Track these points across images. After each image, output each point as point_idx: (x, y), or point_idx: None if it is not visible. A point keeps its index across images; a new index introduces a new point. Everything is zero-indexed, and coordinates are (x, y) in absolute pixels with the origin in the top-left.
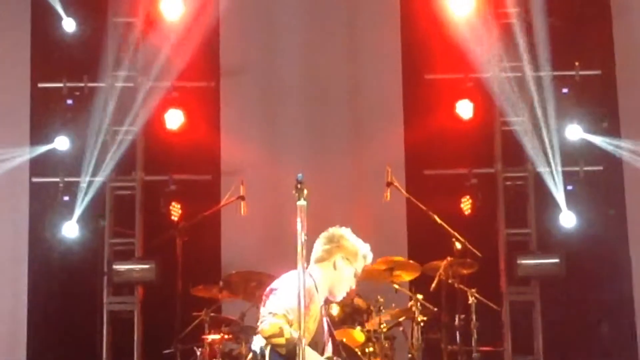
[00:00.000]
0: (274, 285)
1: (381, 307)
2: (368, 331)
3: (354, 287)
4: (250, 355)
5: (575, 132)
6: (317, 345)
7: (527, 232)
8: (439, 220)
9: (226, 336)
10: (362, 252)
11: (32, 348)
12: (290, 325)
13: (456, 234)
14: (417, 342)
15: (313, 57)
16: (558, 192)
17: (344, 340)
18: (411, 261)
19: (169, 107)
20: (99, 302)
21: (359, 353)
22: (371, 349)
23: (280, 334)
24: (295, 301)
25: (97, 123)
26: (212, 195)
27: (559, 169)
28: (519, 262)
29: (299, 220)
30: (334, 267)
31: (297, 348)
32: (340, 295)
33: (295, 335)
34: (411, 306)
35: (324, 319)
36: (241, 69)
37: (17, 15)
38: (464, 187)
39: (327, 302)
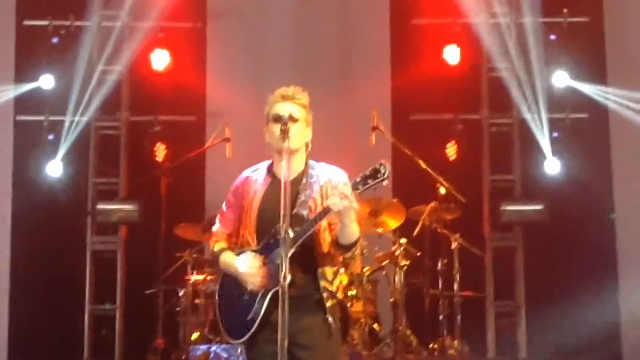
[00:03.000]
0: None
1: (364, 251)
2: (351, 274)
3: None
4: None
5: (561, 79)
6: (264, 232)
7: (512, 179)
8: (423, 165)
9: (209, 277)
10: (266, 111)
11: (15, 285)
12: (225, 238)
13: (440, 178)
14: (399, 286)
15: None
16: (543, 139)
17: None
18: (394, 200)
19: (155, 48)
20: (82, 242)
21: None
22: (354, 292)
23: (211, 255)
24: (222, 208)
25: (82, 62)
26: (197, 137)
27: (545, 115)
28: (502, 208)
29: (283, 162)
30: (267, 138)
31: (217, 256)
32: (280, 144)
33: (217, 247)
34: (394, 250)
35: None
36: (228, 10)
37: None
38: (450, 132)
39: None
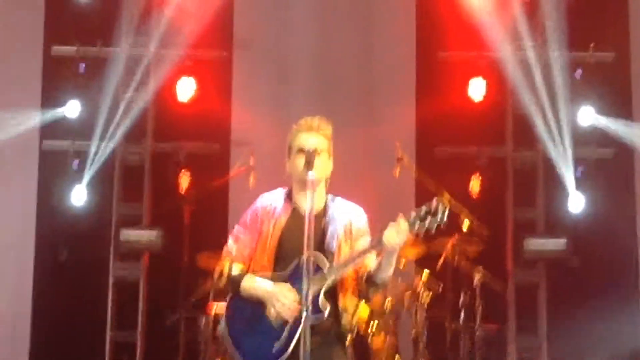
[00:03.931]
0: None
1: (387, 284)
2: (372, 308)
3: (306, 166)
4: None
5: (587, 115)
6: (287, 261)
7: (535, 214)
8: (449, 198)
9: None
10: (289, 141)
11: (37, 311)
12: (242, 260)
13: (464, 212)
14: (420, 320)
15: (327, 29)
16: (568, 175)
17: None
18: (418, 240)
19: (181, 76)
20: (105, 268)
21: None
22: (375, 325)
23: (220, 276)
24: (236, 231)
25: (108, 89)
26: (221, 166)
27: (570, 152)
28: (525, 243)
29: (308, 192)
30: (289, 169)
31: (238, 279)
32: (303, 176)
33: (235, 269)
34: (416, 283)
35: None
36: (254, 40)
37: None
38: (474, 166)
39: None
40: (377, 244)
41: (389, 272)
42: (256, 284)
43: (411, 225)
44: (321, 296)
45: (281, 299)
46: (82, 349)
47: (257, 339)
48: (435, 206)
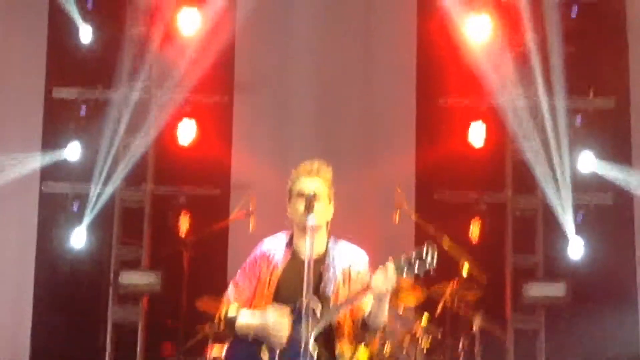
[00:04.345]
0: None
1: (385, 329)
2: (371, 352)
3: (305, 211)
4: None
5: (586, 162)
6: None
7: (535, 260)
8: (449, 243)
9: None
10: (289, 186)
11: (35, 355)
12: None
13: (465, 257)
14: None
15: (327, 75)
16: (567, 222)
17: None
18: (417, 285)
19: (182, 120)
20: (104, 312)
21: None
22: None
23: (219, 321)
24: (237, 276)
25: (109, 133)
26: (221, 209)
27: (569, 198)
28: (525, 289)
29: (308, 237)
30: (289, 213)
31: (233, 319)
32: (303, 220)
33: (231, 311)
34: (415, 329)
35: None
36: (255, 85)
37: (34, 22)
38: (473, 212)
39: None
40: (367, 288)
41: (382, 317)
42: (249, 320)
43: (399, 269)
44: (312, 339)
45: (274, 332)
46: None
47: None
48: (424, 251)
